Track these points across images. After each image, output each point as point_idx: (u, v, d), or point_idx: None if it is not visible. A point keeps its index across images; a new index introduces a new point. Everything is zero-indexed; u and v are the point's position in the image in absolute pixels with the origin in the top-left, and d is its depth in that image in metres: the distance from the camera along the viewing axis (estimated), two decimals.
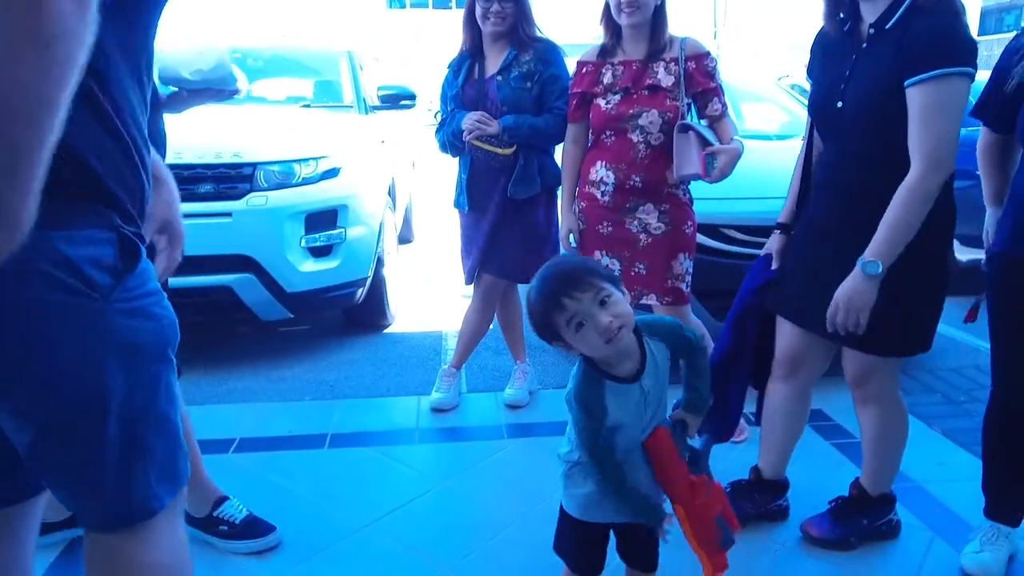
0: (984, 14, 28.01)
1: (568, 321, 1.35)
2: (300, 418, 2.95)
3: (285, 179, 3.43)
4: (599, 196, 2.50)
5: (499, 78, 2.70)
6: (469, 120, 2.66)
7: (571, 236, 2.60)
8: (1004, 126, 1.93)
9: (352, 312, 3.97)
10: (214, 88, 1.90)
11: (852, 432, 2.69)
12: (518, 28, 2.69)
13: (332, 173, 3.58)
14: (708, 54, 2.50)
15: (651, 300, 2.52)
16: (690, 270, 2.55)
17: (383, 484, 2.45)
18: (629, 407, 1.40)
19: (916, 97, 1.66)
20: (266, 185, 3.36)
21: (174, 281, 2.00)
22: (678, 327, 1.51)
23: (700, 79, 2.44)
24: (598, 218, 2.52)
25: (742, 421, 2.47)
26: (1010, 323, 1.88)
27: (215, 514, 2.11)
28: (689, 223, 2.53)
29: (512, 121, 2.65)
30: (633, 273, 2.50)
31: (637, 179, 2.44)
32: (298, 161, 3.48)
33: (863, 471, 2.10)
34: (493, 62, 2.75)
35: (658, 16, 2.42)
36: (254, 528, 2.10)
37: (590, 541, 1.56)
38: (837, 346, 1.98)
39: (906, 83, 1.67)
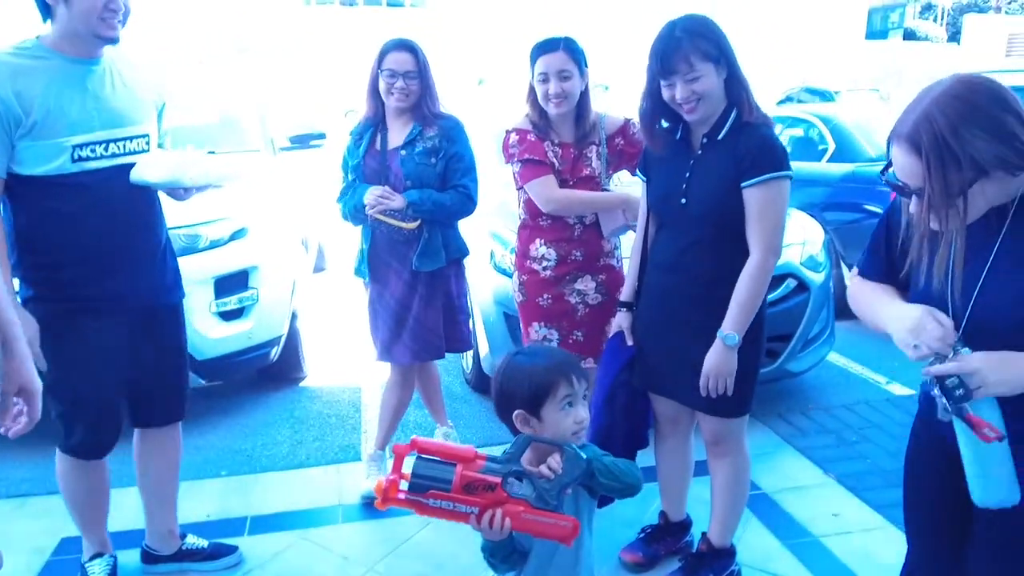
0: (871, 13, 29.59)
1: (565, 396, 1.46)
2: (218, 498, 2.89)
3: (191, 244, 3.33)
4: (541, 271, 2.57)
5: (403, 152, 2.68)
6: (371, 195, 2.63)
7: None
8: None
9: (266, 368, 3.90)
10: (178, 187, 2.15)
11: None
12: (422, 104, 2.69)
13: (241, 233, 3.49)
14: (628, 121, 2.59)
15: (589, 364, 2.59)
16: None
17: None
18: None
19: (753, 196, 1.99)
20: None
21: None
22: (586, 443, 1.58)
23: (631, 151, 2.55)
24: (538, 291, 2.59)
25: None
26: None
27: None
28: (620, 288, 2.63)
29: (417, 196, 2.63)
30: (571, 340, 2.60)
31: (578, 253, 2.54)
32: (204, 224, 3.38)
33: (711, 525, 2.35)
34: (396, 135, 2.74)
35: (583, 100, 2.49)
36: None
37: None
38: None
39: (743, 185, 1.99)
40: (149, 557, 2.45)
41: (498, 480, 1.33)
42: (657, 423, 2.39)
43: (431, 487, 1.29)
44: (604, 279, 2.58)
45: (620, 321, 2.32)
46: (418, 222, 2.67)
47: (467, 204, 2.72)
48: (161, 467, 2.40)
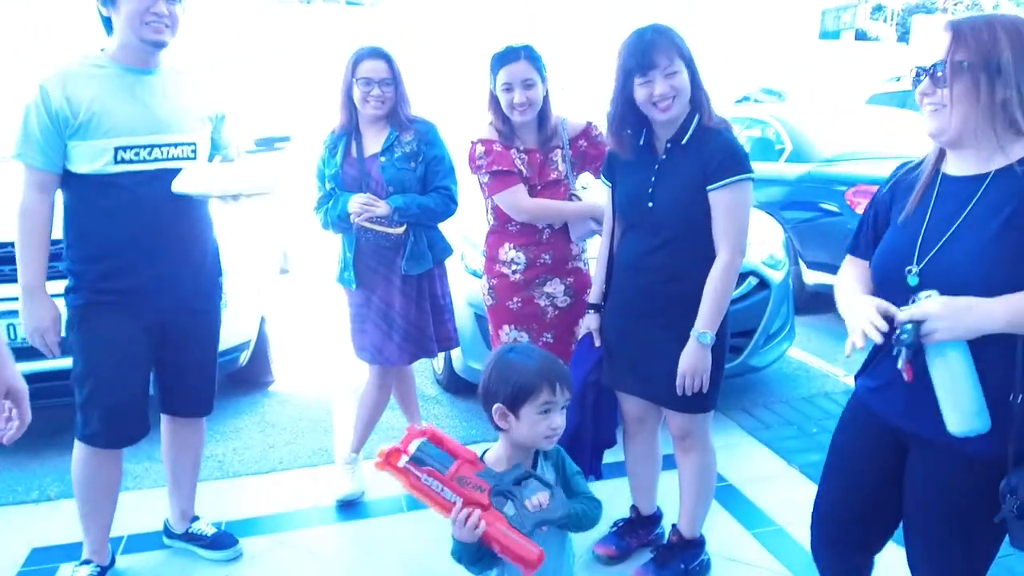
0: (824, 13, 30.26)
1: (545, 402, 1.52)
2: None
3: None
4: (510, 274, 2.60)
5: (383, 159, 2.70)
6: (356, 203, 2.65)
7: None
8: None
9: (235, 373, 3.88)
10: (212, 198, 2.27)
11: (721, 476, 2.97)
12: (397, 110, 2.72)
13: None
14: (590, 123, 2.65)
15: None
16: None
17: None
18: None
19: (720, 198, 2.06)
20: None
21: (43, 367, 2.70)
22: (564, 453, 1.66)
23: (595, 152, 2.61)
24: (508, 294, 2.62)
25: None
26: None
27: None
28: (588, 290, 2.67)
29: (402, 201, 2.66)
30: (542, 343, 2.64)
31: (546, 256, 2.58)
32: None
33: (681, 517, 2.43)
34: (372, 141, 2.75)
35: (544, 105, 2.53)
36: None
37: None
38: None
39: (710, 188, 2.06)
40: (167, 529, 2.63)
41: (488, 486, 1.44)
42: (625, 422, 2.45)
43: (430, 464, 1.43)
44: (572, 282, 2.63)
45: (588, 323, 2.38)
46: (404, 227, 2.69)
47: (450, 205, 2.76)
48: (180, 455, 2.55)
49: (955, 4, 29.99)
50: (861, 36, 29.05)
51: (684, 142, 2.11)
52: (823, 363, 4.32)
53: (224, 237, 3.51)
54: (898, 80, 7.96)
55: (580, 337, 2.43)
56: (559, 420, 1.54)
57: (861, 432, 1.71)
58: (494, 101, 2.51)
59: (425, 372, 4.12)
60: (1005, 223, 1.38)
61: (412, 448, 1.46)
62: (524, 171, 2.53)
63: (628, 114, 2.12)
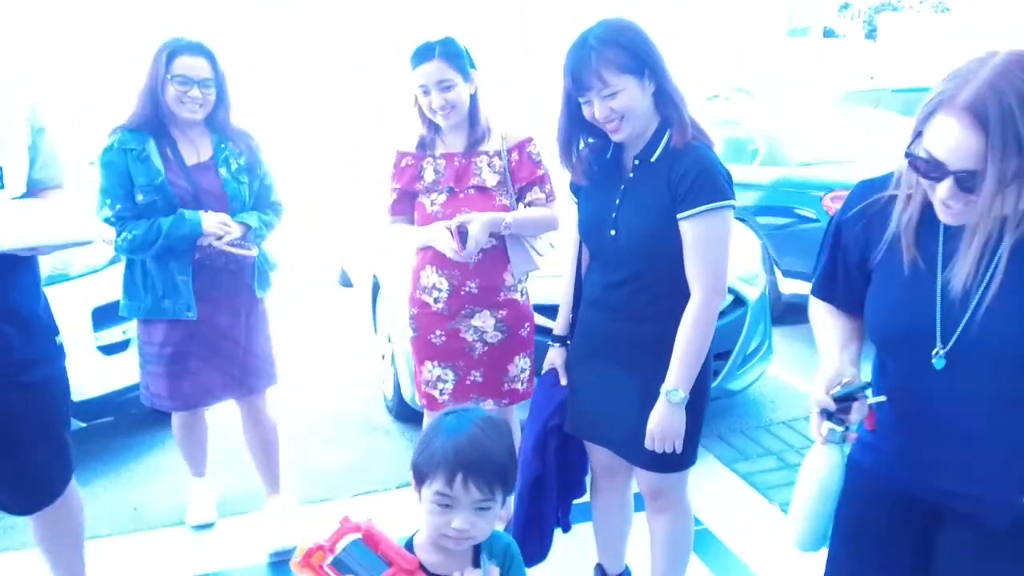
0: (793, 9, 30.32)
1: (437, 493, 1.24)
2: (94, 568, 2.51)
3: (62, 271, 2.93)
4: (432, 303, 2.32)
5: (222, 171, 2.40)
6: (213, 223, 2.31)
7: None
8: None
9: None
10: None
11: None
12: (218, 114, 2.40)
13: (119, 256, 3.08)
14: (530, 139, 2.36)
15: (487, 405, 2.39)
16: (526, 367, 2.47)
17: None
18: None
19: (689, 230, 1.73)
20: None
21: None
22: (514, 551, 1.37)
23: (526, 170, 2.32)
24: (430, 326, 2.35)
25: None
26: None
27: None
28: (527, 324, 2.45)
29: (257, 221, 2.46)
30: (468, 382, 2.38)
31: (472, 285, 2.28)
32: (75, 244, 2.96)
33: None
34: (194, 148, 2.39)
35: (473, 106, 2.28)
36: None
37: None
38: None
39: (679, 216, 1.73)
40: None
41: None
42: (594, 473, 2.16)
43: (355, 572, 1.23)
44: (505, 315, 2.34)
45: (553, 358, 2.08)
46: (256, 248, 2.48)
47: (279, 221, 2.62)
48: (48, 547, 2.08)
49: (920, 2, 30.25)
50: (828, 33, 29.20)
51: (654, 160, 1.78)
52: (802, 381, 4.05)
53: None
54: (871, 79, 7.84)
55: (543, 372, 2.12)
56: (464, 523, 1.24)
57: (869, 508, 1.36)
58: (418, 102, 2.26)
59: (373, 398, 3.78)
60: None
61: (339, 547, 1.25)
62: (433, 179, 2.30)
63: (583, 128, 1.81)
